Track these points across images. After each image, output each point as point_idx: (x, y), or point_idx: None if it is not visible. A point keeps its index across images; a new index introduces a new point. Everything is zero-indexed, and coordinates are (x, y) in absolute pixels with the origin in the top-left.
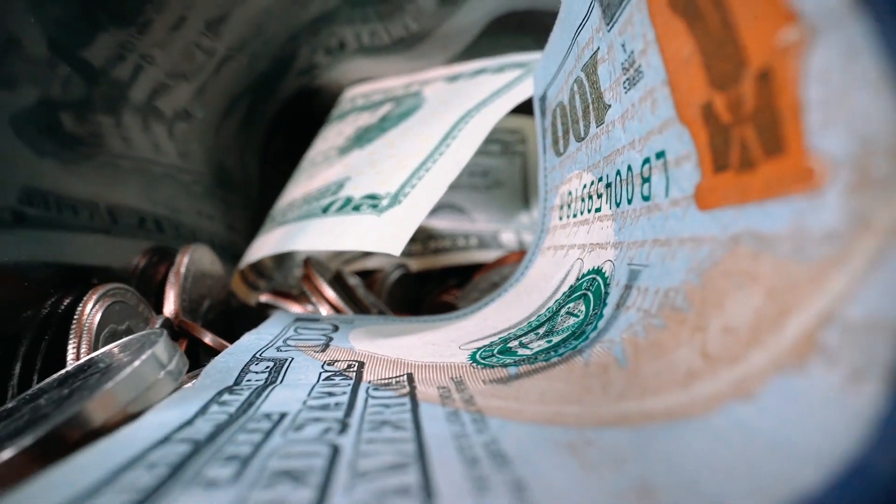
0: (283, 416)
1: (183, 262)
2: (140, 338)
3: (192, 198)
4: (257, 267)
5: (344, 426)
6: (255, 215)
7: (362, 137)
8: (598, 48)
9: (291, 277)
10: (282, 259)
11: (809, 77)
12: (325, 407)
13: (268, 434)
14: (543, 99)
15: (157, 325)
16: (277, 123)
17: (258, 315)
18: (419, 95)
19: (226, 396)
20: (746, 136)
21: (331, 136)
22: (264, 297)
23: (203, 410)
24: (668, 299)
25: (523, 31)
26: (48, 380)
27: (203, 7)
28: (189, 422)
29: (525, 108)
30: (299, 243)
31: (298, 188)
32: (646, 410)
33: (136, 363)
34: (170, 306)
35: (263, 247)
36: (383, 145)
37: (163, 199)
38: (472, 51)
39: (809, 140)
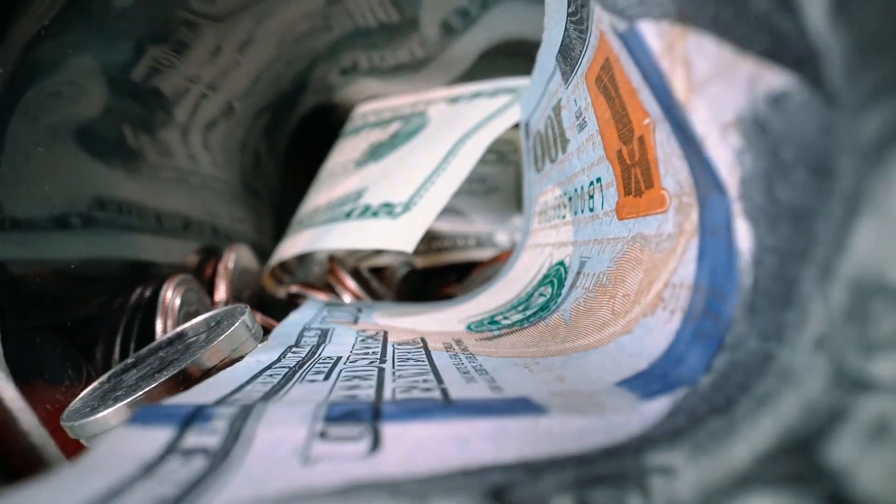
0: (339, 358)
1: (230, 258)
2: (229, 310)
3: (225, 204)
4: (283, 264)
5: (382, 360)
6: (278, 219)
7: (376, 153)
8: (561, 98)
9: (311, 273)
10: (303, 257)
11: (657, 145)
12: (365, 354)
13: (334, 364)
14: (527, 125)
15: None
16: (296, 136)
17: (286, 304)
18: (424, 115)
19: (294, 349)
20: (637, 174)
21: (347, 150)
22: (294, 288)
23: (283, 355)
24: (599, 279)
25: (515, 55)
26: (154, 343)
27: (236, 34)
28: (277, 360)
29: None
30: (328, 243)
31: (321, 196)
32: (576, 346)
33: (234, 326)
34: (221, 294)
35: (294, 246)
36: (395, 161)
37: (201, 204)
38: (471, 73)
39: (661, 181)
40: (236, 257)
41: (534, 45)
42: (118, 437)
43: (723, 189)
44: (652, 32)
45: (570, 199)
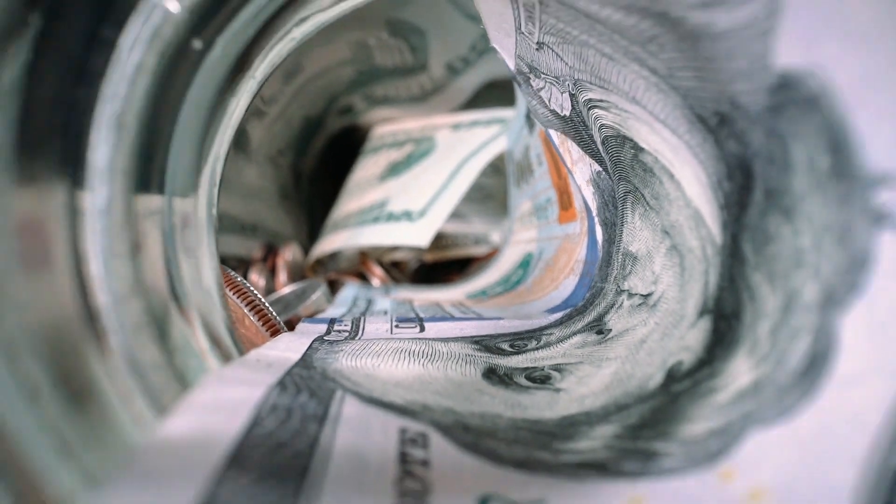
0: (386, 310)
1: (287, 252)
2: (309, 284)
3: (270, 209)
4: (319, 259)
5: (414, 310)
6: (311, 222)
7: (395, 170)
8: (529, 141)
9: (339, 266)
10: (334, 253)
11: (570, 184)
12: (402, 307)
13: (386, 311)
14: (511, 153)
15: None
16: (324, 152)
17: None
18: (433, 140)
19: (354, 307)
20: (565, 198)
21: (369, 166)
22: (333, 275)
23: (349, 309)
24: (548, 262)
25: (504, 89)
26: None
27: (283, 65)
28: (347, 311)
29: None
30: (361, 240)
31: (351, 203)
32: (529, 299)
33: (318, 292)
34: (282, 278)
35: (333, 243)
36: (411, 177)
37: (251, 210)
38: (470, 102)
39: (574, 204)
40: (291, 251)
41: None
42: (302, 326)
43: (591, 211)
44: (554, 134)
45: (536, 209)
